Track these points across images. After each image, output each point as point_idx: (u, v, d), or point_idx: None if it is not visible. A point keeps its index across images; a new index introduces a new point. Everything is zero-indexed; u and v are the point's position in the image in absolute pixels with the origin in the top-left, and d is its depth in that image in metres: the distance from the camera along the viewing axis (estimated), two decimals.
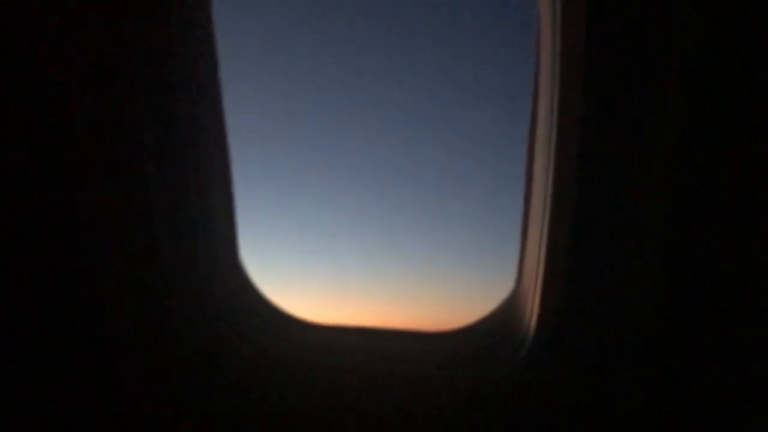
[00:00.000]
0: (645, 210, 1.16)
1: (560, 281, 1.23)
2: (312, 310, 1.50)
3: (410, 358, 1.39)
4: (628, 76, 1.11)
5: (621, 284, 1.22)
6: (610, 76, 1.11)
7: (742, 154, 1.11)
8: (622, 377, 1.26)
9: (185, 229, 1.36)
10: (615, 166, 1.15)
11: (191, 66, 1.28)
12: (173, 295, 1.37)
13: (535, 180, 1.32)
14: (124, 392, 1.39)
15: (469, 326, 1.46)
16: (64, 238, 1.30)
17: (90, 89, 1.21)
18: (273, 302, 1.49)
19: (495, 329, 1.43)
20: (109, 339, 1.36)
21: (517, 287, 1.44)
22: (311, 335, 1.45)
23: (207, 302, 1.42)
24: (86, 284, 1.33)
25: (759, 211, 1.13)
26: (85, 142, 1.24)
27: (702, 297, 1.18)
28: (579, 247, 1.21)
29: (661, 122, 1.12)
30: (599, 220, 1.19)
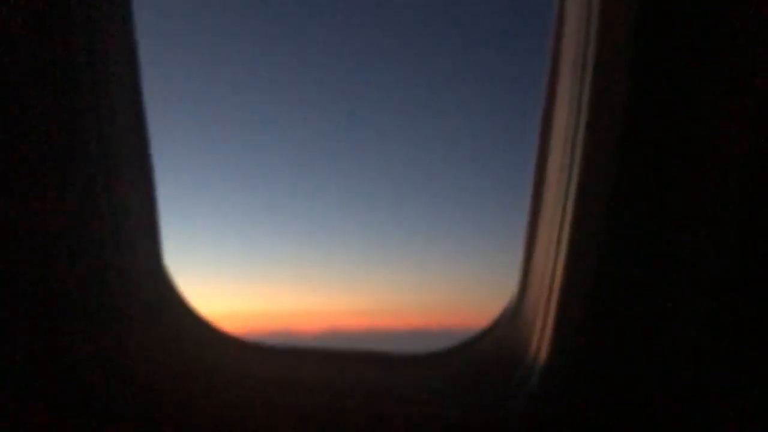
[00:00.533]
0: (709, 207, 0.88)
1: (584, 294, 0.95)
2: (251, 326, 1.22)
3: (376, 390, 1.09)
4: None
5: (669, 302, 0.94)
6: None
7: None
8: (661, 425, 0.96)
9: (98, 233, 1.07)
10: (666, 151, 0.87)
11: (106, 58, 1.03)
12: (85, 310, 1.09)
13: (551, 162, 1.00)
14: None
15: (456, 348, 1.14)
16: None
17: None
18: (205, 318, 1.18)
19: (490, 354, 1.11)
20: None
21: (520, 298, 1.11)
22: (251, 359, 1.14)
23: (125, 318, 1.14)
24: None
25: None
26: None
27: None
28: (613, 250, 0.92)
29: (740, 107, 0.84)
30: (641, 217, 0.89)
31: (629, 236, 0.90)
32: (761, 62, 0.82)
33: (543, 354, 1.01)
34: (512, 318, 1.11)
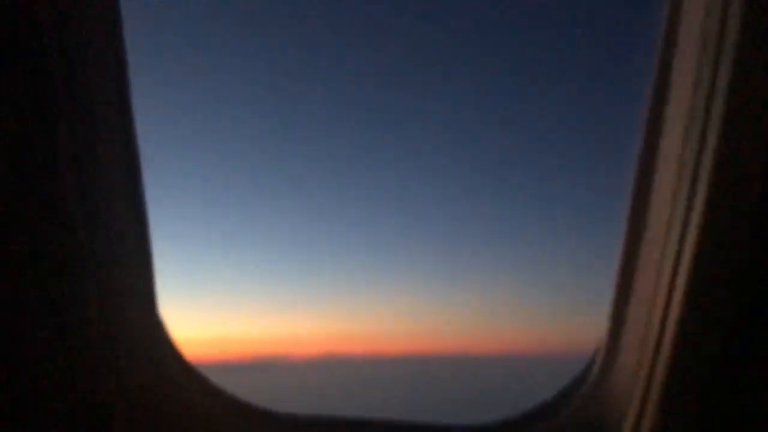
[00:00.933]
0: None
1: (707, 354, 0.70)
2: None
3: None
4: None
5: None
6: None
7: None
8: None
9: (85, 279, 0.89)
10: None
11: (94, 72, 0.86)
12: (72, 363, 0.90)
13: (662, 161, 0.75)
14: None
15: (528, 418, 0.87)
16: None
17: None
18: (207, 378, 0.97)
19: (570, 425, 0.83)
20: None
21: (611, 353, 0.83)
22: (256, 424, 0.93)
23: (115, 372, 0.94)
24: None
25: None
26: None
27: None
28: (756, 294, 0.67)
29: None
30: None
31: None
32: None
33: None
34: (600, 379, 0.83)
